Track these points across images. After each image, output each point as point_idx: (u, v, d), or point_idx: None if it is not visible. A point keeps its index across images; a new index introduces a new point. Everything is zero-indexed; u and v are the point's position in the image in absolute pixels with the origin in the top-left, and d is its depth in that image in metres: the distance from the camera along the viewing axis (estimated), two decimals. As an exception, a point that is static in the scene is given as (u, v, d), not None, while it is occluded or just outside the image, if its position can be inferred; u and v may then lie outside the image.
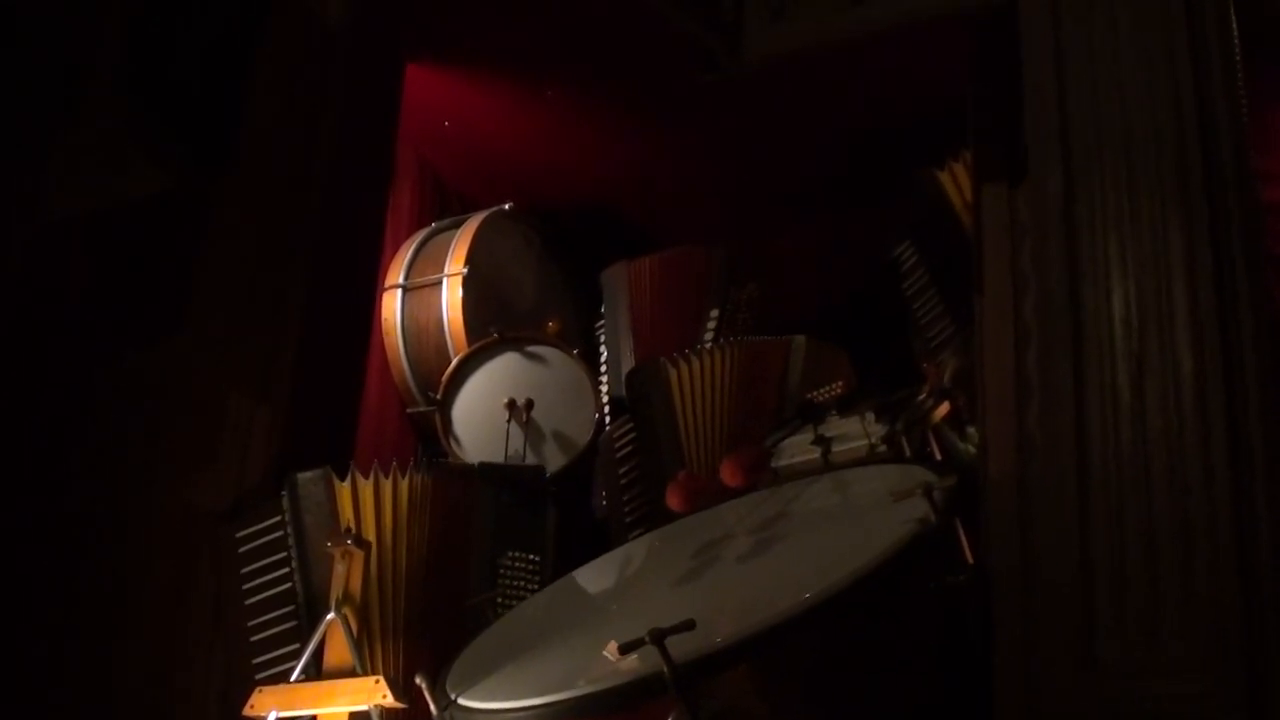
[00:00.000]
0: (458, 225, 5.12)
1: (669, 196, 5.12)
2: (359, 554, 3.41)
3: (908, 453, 3.40)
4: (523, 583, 3.77)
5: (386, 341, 4.94)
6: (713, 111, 4.35)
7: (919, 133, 4.28)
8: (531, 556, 3.83)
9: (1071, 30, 3.15)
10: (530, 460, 4.51)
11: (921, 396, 3.67)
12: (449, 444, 4.62)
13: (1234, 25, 3.23)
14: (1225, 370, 2.79)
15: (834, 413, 3.59)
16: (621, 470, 4.44)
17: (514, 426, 4.55)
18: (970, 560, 3.05)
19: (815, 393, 3.86)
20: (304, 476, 3.60)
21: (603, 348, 5.05)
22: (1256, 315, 2.89)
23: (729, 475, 3.50)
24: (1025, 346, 3.13)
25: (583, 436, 4.67)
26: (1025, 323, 3.15)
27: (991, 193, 3.47)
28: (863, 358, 4.65)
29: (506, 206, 5.23)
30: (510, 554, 3.81)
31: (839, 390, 3.78)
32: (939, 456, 3.56)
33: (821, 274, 5.16)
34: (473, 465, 4.18)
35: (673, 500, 3.56)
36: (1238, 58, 3.19)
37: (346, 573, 3.37)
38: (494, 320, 4.80)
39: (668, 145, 4.72)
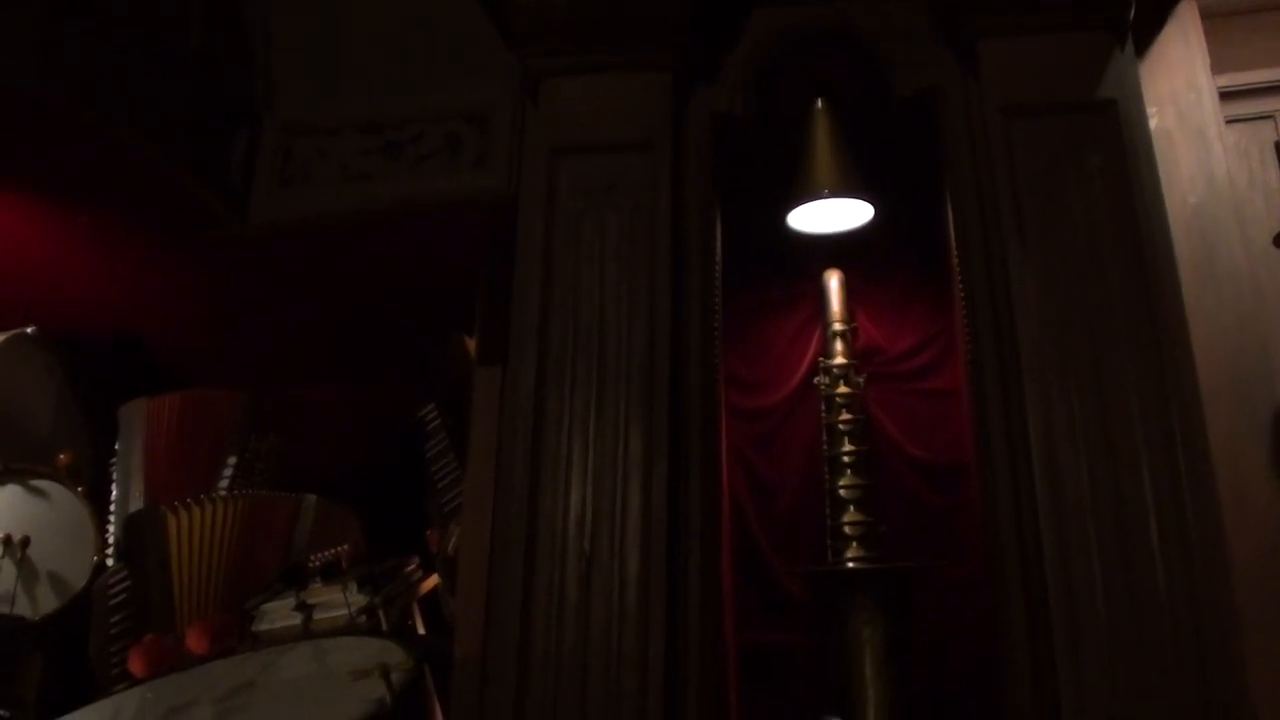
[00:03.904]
0: (-26, 346, 4.81)
1: (198, 339, 4.98)
2: None
3: (384, 625, 3.40)
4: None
5: (-114, 468, 4.55)
6: (232, 265, 4.28)
7: (453, 297, 4.30)
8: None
9: (561, 229, 3.29)
10: (21, 600, 4.26)
11: (410, 568, 3.69)
12: (-61, 578, 4.29)
13: (718, 242, 3.46)
14: (669, 571, 2.94)
15: (318, 579, 3.55)
16: (113, 620, 4.21)
17: (7, 564, 4.29)
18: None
19: (317, 555, 3.82)
20: None
21: (114, 486, 4.82)
22: (705, 517, 3.08)
23: (195, 642, 3.40)
24: (495, 535, 3.21)
25: (79, 580, 4.40)
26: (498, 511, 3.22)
27: (486, 378, 3.55)
28: (381, 520, 4.60)
29: (29, 330, 4.96)
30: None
31: (344, 554, 3.76)
32: (422, 629, 3.59)
33: (349, 432, 5.11)
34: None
35: (134, 665, 3.41)
36: (717, 273, 3.41)
37: None
38: (2, 448, 4.53)
39: (193, 290, 4.60)
